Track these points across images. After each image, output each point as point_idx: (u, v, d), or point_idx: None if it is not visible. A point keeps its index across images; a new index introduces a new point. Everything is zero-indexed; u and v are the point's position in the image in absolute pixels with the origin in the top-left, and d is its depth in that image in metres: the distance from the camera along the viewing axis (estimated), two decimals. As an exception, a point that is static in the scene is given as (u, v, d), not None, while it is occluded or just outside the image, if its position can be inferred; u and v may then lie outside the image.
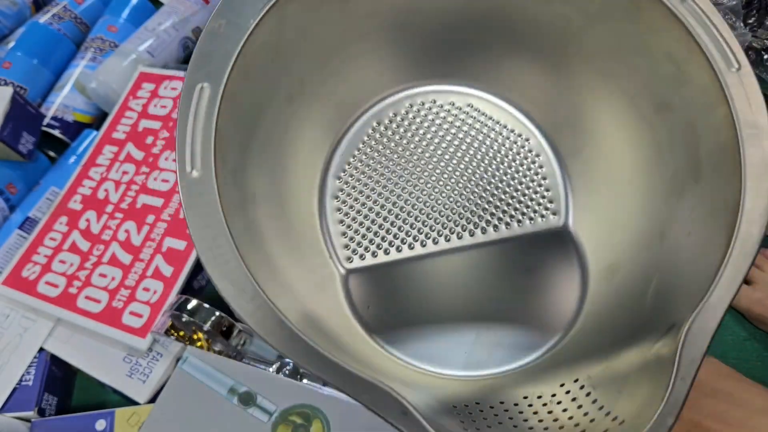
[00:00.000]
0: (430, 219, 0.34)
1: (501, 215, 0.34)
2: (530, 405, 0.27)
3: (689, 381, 0.21)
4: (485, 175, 0.34)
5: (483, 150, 0.34)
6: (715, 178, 0.25)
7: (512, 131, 0.34)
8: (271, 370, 0.49)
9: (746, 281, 0.60)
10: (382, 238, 0.34)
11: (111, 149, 0.64)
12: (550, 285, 0.33)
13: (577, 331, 0.31)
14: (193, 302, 0.50)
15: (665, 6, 0.25)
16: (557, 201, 0.34)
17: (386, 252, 0.34)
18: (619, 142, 0.32)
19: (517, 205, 0.34)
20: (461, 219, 0.34)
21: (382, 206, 0.34)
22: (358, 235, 0.34)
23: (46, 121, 0.69)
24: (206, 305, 0.50)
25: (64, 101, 0.71)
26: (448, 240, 0.33)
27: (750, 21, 0.72)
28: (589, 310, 0.32)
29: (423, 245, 0.34)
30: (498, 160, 0.34)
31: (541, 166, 0.34)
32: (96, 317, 0.53)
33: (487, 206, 0.34)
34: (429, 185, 0.34)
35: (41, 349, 0.54)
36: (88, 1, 0.80)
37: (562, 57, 0.32)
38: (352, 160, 0.35)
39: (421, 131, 0.34)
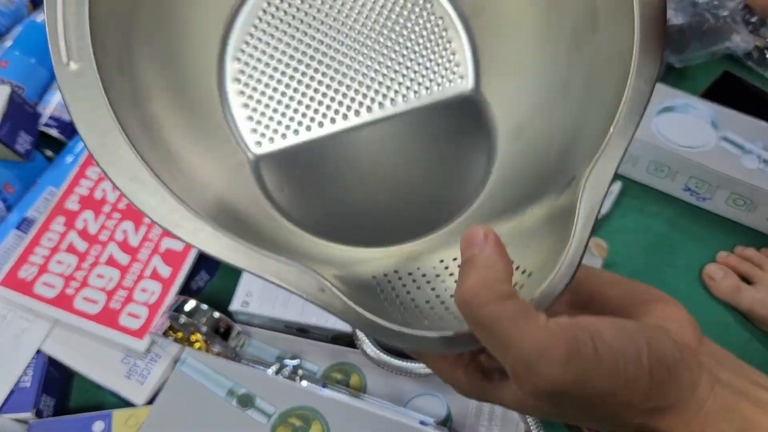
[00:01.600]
0: (338, 94, 0.33)
1: (408, 84, 0.34)
2: (446, 267, 0.28)
3: (590, 227, 0.23)
4: (389, 44, 0.34)
5: (385, 16, 0.34)
6: (611, 27, 0.26)
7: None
8: (270, 371, 0.49)
9: (748, 281, 0.59)
10: (291, 119, 0.33)
11: (109, 149, 0.63)
12: (461, 151, 0.33)
13: (487, 195, 0.32)
14: (191, 303, 0.50)
15: None
16: (464, 65, 0.34)
17: (296, 132, 0.33)
18: (516, 1, 0.33)
19: (425, 72, 0.34)
20: (369, 91, 0.34)
21: (287, 85, 0.33)
22: (264, 117, 0.33)
23: (43, 120, 0.68)
24: (204, 306, 0.50)
25: (61, 100, 0.70)
26: (358, 114, 0.33)
27: (753, 20, 0.71)
28: (498, 173, 0.32)
29: (333, 122, 0.33)
30: (400, 25, 0.34)
31: (445, 29, 0.34)
32: (93, 318, 0.53)
33: (394, 76, 0.34)
34: (333, 58, 0.33)
35: (39, 351, 0.54)
36: None
37: None
38: (249, 39, 0.33)
39: (319, 1, 0.34)
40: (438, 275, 0.28)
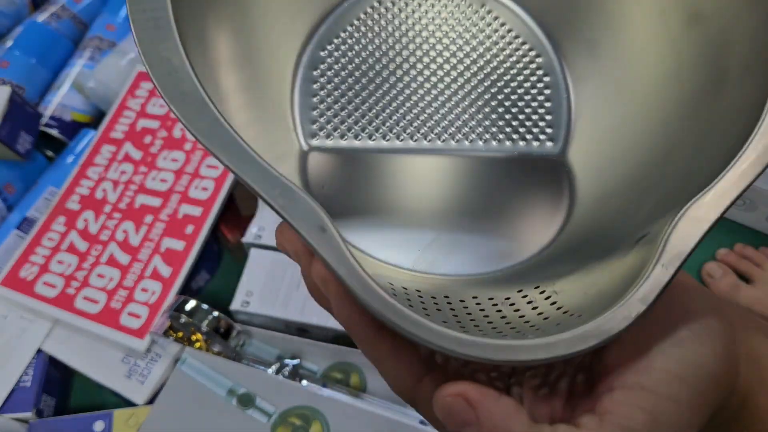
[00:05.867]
0: (415, 115, 0.31)
1: (493, 129, 0.32)
2: (478, 304, 0.25)
3: (672, 270, 0.19)
4: (486, 84, 0.32)
5: (489, 57, 0.32)
6: (742, 86, 0.23)
7: (524, 43, 0.32)
8: (270, 371, 0.49)
9: (746, 279, 0.59)
10: (356, 122, 0.32)
11: (109, 149, 0.63)
12: (530, 211, 0.31)
13: (546, 255, 0.29)
14: (192, 303, 0.50)
15: None
16: (557, 127, 0.32)
17: (357, 137, 0.31)
18: (636, 67, 0.30)
19: (513, 123, 0.32)
20: (449, 122, 0.32)
21: (364, 89, 0.32)
22: (330, 112, 0.32)
23: (44, 120, 0.68)
24: (204, 306, 0.50)
25: (62, 101, 0.70)
26: (429, 140, 0.31)
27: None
28: (565, 238, 0.30)
29: (399, 139, 0.31)
30: (502, 70, 0.32)
31: (547, 87, 0.32)
32: (94, 318, 0.53)
33: (481, 116, 0.32)
34: (424, 80, 0.32)
35: (39, 350, 0.54)
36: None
37: None
38: (343, 34, 0.32)
39: (424, 21, 0.32)
40: (466, 307, 0.25)
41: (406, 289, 0.25)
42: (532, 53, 0.33)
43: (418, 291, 0.25)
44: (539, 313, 0.23)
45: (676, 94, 0.28)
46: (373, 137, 0.32)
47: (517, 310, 0.24)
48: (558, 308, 0.23)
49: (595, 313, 0.20)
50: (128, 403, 0.51)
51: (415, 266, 0.29)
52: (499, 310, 0.24)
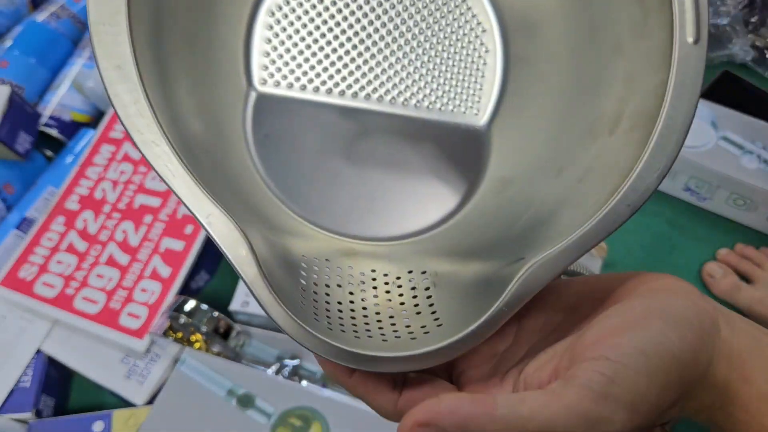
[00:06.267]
0: (359, 72, 0.34)
1: (427, 93, 0.34)
2: (374, 279, 0.28)
3: (509, 313, 0.22)
4: (431, 51, 0.34)
5: (441, 27, 0.34)
6: (625, 140, 0.25)
7: (475, 16, 0.34)
8: (269, 371, 0.49)
9: (747, 280, 0.59)
10: (304, 73, 0.33)
11: (108, 148, 0.63)
12: (443, 177, 0.33)
13: (446, 229, 0.32)
14: (191, 303, 0.50)
15: None
16: (485, 101, 0.34)
17: (303, 88, 0.33)
18: (566, 67, 0.32)
19: (447, 89, 0.34)
20: (388, 83, 0.34)
21: (316, 41, 0.33)
22: (280, 60, 0.33)
23: (43, 120, 0.68)
24: (204, 306, 0.50)
25: (61, 100, 0.70)
26: (368, 99, 0.34)
27: (753, 20, 0.71)
28: (466, 213, 0.32)
29: (341, 95, 0.34)
30: (449, 40, 0.34)
31: (485, 63, 0.34)
32: (93, 318, 0.53)
33: (417, 80, 0.34)
34: (371, 36, 0.34)
35: (39, 351, 0.53)
36: (85, -1, 0.80)
37: None
38: None
39: None
40: (363, 282, 0.27)
41: (317, 260, 0.27)
42: (480, 28, 0.34)
43: (327, 261, 0.28)
44: (415, 305, 0.26)
45: (583, 116, 0.30)
46: (317, 89, 0.33)
47: (402, 295, 0.27)
48: (431, 305, 0.26)
49: (451, 326, 0.23)
50: (127, 404, 0.51)
51: (333, 226, 0.31)
52: (388, 291, 0.27)
